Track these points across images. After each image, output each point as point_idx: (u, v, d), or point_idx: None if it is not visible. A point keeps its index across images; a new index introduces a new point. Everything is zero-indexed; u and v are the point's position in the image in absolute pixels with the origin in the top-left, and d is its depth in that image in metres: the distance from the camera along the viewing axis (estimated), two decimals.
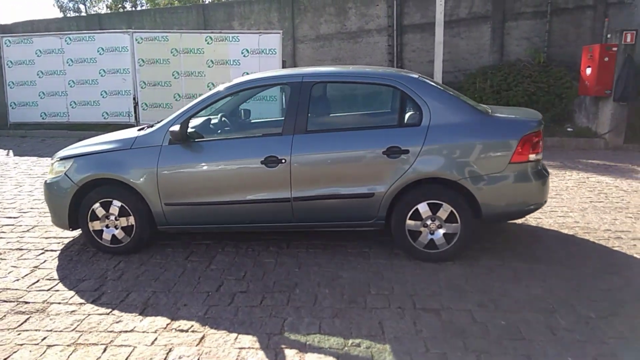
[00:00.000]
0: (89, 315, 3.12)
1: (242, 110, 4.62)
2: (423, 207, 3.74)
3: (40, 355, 2.68)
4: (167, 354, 2.68)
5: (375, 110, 4.06)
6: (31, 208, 5.49)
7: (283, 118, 3.91)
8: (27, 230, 4.78)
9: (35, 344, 2.79)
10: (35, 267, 3.91)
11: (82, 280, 3.66)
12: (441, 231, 3.77)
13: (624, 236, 4.36)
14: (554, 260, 3.84)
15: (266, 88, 4.20)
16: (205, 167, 3.91)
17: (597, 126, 9.60)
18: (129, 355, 2.67)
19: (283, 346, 2.73)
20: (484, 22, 12.28)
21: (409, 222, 3.78)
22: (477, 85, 10.98)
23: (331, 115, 4.25)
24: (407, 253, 3.88)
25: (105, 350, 2.73)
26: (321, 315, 3.05)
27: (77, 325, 2.99)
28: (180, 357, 2.65)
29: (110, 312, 3.16)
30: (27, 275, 3.75)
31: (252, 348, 2.72)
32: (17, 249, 4.29)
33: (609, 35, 9.39)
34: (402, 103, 3.82)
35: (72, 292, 3.45)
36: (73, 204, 4.06)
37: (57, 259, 4.07)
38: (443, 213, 3.73)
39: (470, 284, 3.46)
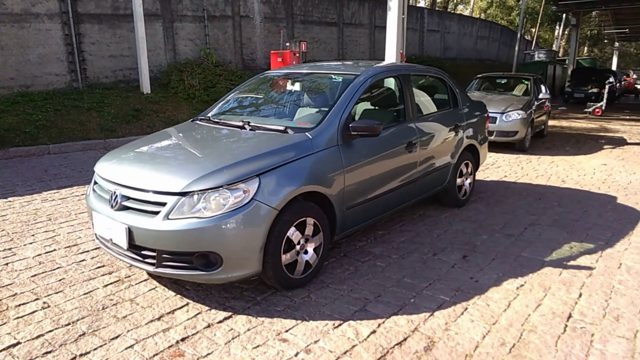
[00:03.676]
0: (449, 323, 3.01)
1: (380, 99, 4.32)
2: (464, 168, 5.20)
3: None
4: None
5: (434, 97, 5.01)
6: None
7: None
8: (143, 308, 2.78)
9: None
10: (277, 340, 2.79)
11: (348, 318, 3.05)
12: (468, 182, 5.36)
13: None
14: (503, 193, 6.14)
15: (388, 78, 4.28)
16: (376, 160, 3.85)
17: None
18: None
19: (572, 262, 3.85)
20: (156, 20, 12.46)
21: (458, 180, 5.15)
22: (186, 81, 11.41)
23: (417, 102, 4.78)
24: (453, 204, 5.22)
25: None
26: (525, 247, 4.19)
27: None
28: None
29: (480, 301, 3.13)
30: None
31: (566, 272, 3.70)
32: (192, 338, 2.67)
33: (287, 44, 12.09)
34: (447, 91, 5.05)
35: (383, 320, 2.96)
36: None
37: (266, 317, 2.94)
38: (469, 169, 5.33)
39: (511, 212, 5.26)
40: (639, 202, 5.69)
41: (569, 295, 3.28)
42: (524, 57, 30.34)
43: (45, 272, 3.56)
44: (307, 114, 3.84)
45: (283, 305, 3.11)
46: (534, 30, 41.76)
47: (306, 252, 3.33)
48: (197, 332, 2.78)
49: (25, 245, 4.08)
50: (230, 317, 2.95)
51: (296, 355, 2.58)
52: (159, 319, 2.92)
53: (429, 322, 2.92)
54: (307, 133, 3.47)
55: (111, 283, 3.39)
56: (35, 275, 3.50)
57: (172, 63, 12.68)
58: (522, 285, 3.43)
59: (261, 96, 4.43)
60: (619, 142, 10.70)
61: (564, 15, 41.10)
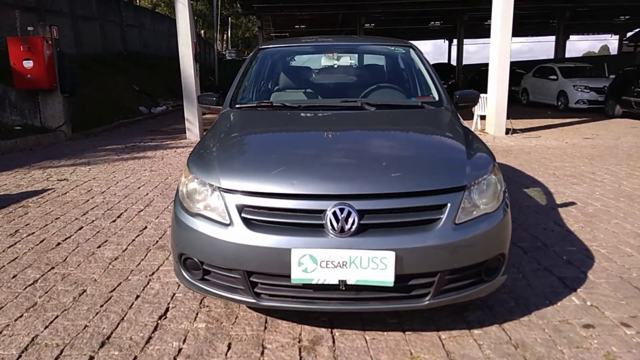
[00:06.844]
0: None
1: None
2: None
3: None
4: None
5: None
6: None
7: None
8: None
9: None
10: None
11: (576, 287, 3.02)
12: None
13: None
14: None
15: None
16: None
17: (45, 120, 9.42)
18: None
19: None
20: None
21: None
22: None
23: None
24: None
25: None
26: (515, 198, 4.80)
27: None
28: None
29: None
30: None
31: None
32: None
33: (29, 28, 9.09)
34: None
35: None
36: None
37: (524, 313, 2.55)
38: None
39: None
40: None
41: (618, 215, 4.08)
42: (218, 57, 31.77)
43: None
44: (406, 87, 3.33)
45: (521, 297, 2.73)
46: (203, 31, 44.17)
47: None
48: (519, 347, 2.18)
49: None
50: (503, 329, 2.40)
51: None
52: (448, 354, 2.13)
53: (595, 269, 3.16)
54: (446, 106, 3.07)
55: (311, 348, 2.20)
56: None
57: None
58: (577, 223, 4.01)
59: (305, 72, 3.50)
60: None
61: (230, 19, 45.26)
